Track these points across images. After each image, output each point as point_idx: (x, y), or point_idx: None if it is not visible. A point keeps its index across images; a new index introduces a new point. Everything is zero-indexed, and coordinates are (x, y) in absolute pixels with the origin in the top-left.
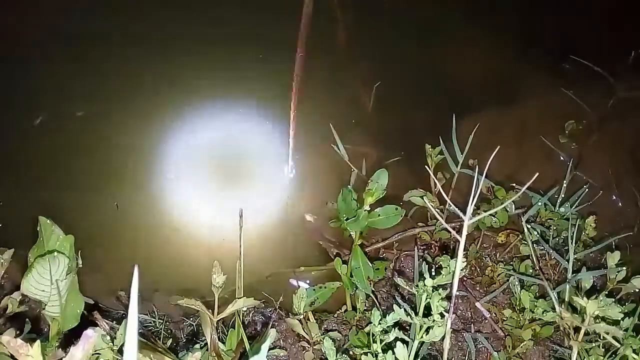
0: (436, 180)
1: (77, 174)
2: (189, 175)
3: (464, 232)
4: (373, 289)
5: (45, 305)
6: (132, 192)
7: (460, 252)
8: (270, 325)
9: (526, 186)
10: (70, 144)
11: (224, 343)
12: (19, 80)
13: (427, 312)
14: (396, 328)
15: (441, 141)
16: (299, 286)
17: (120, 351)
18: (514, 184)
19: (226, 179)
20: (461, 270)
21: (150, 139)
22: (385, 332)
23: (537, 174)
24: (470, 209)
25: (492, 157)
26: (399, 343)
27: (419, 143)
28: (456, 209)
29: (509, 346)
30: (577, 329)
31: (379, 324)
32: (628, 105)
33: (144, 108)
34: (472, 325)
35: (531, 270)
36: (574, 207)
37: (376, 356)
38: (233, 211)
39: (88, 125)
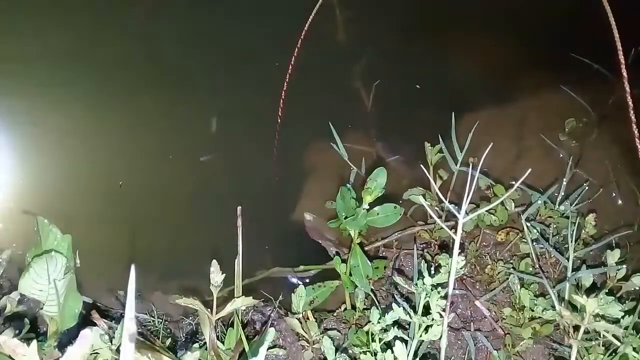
0: (434, 179)
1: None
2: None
3: (459, 230)
4: (372, 287)
5: (44, 304)
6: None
7: (456, 250)
8: (269, 324)
9: (520, 182)
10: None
11: (223, 342)
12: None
13: (427, 310)
14: (395, 327)
15: (440, 139)
16: (298, 285)
17: (119, 350)
18: (514, 182)
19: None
20: (460, 268)
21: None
22: (385, 330)
23: (530, 170)
24: (464, 206)
25: (486, 154)
26: (398, 342)
27: (419, 141)
28: (451, 207)
29: (509, 344)
30: (576, 327)
31: (378, 322)
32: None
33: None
34: (471, 323)
35: (531, 269)
36: (573, 205)
37: (375, 355)
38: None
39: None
